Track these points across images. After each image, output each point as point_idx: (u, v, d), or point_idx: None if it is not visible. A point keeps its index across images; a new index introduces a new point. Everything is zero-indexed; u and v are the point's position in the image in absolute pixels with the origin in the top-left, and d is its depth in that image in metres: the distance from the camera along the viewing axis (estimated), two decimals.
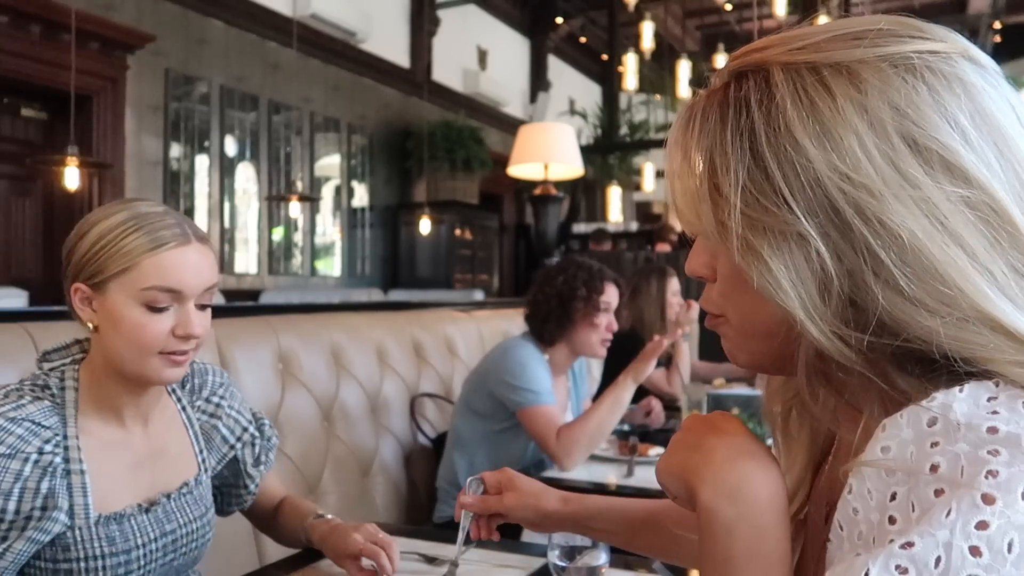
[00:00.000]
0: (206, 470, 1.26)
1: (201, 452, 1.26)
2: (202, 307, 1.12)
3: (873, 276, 0.49)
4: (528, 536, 2.06)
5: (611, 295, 2.24)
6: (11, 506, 1.02)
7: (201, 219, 6.36)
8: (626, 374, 2.10)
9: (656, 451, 2.15)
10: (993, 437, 0.44)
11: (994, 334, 0.48)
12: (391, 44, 8.28)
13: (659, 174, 9.87)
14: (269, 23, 6.80)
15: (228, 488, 1.35)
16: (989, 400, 0.46)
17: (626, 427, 2.32)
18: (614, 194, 9.46)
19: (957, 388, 0.47)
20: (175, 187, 6.17)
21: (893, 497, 0.45)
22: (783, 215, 0.51)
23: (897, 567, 0.42)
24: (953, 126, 0.49)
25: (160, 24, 5.95)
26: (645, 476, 1.99)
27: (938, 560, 0.41)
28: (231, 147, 6.67)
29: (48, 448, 1.06)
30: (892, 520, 0.45)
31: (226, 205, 6.60)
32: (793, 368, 0.57)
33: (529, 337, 2.29)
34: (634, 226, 9.19)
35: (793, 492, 0.65)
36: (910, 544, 0.42)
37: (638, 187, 10.38)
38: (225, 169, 6.60)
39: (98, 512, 1.09)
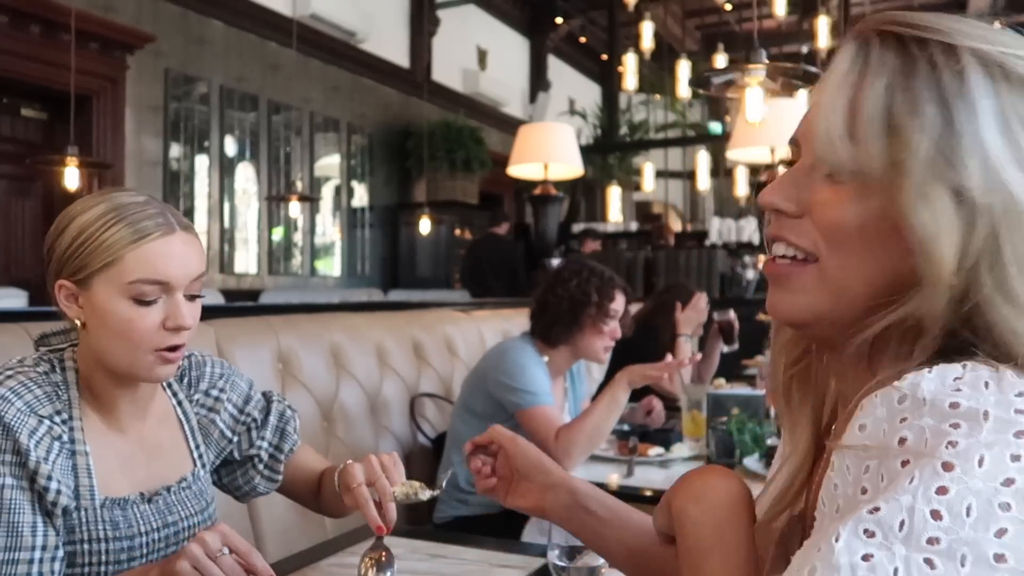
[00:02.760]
0: (203, 465, 1.23)
1: (198, 448, 1.23)
2: (191, 297, 1.09)
3: (988, 270, 0.51)
4: (528, 536, 2.06)
5: (620, 303, 2.24)
6: (33, 452, 1.01)
7: (201, 219, 6.37)
8: (623, 374, 2.09)
9: (656, 451, 2.15)
10: (955, 412, 0.46)
11: None
12: (391, 44, 8.28)
13: (658, 174, 9.86)
14: (269, 23, 6.81)
15: (242, 472, 1.30)
16: (955, 380, 0.48)
17: (626, 427, 2.32)
18: (614, 194, 9.46)
19: (926, 369, 0.50)
20: (175, 187, 6.17)
21: (867, 470, 0.48)
22: (964, 178, 0.51)
23: (865, 531, 0.45)
24: None
25: (160, 24, 5.96)
26: (645, 476, 1.99)
27: (902, 523, 0.44)
28: (231, 147, 6.67)
29: (57, 420, 1.05)
30: (864, 491, 0.48)
31: (226, 205, 6.60)
32: (837, 333, 0.57)
33: (528, 338, 2.29)
34: (634, 226, 9.18)
35: (792, 477, 0.67)
36: (876, 509, 0.45)
37: (638, 187, 10.37)
38: (225, 169, 6.60)
39: (103, 495, 1.08)
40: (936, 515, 0.44)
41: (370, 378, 2.35)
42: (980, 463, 0.44)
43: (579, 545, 1.05)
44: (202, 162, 6.42)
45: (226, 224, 6.61)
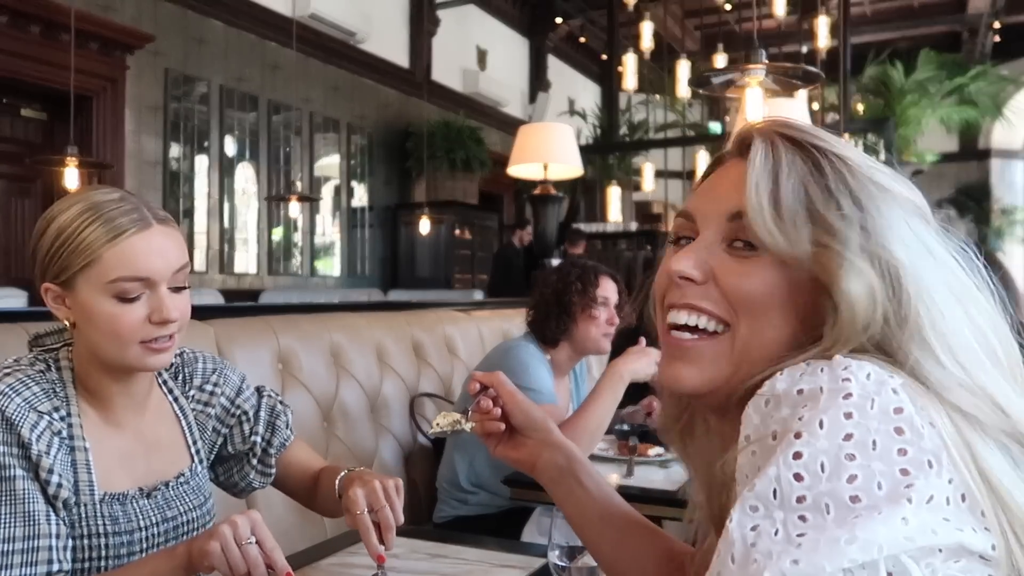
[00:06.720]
0: (200, 461, 1.23)
1: (196, 443, 1.23)
2: (177, 290, 1.08)
3: (900, 326, 0.60)
4: (528, 536, 2.06)
5: (607, 289, 2.25)
6: (33, 447, 1.01)
7: (201, 219, 6.37)
8: (623, 363, 2.04)
9: (656, 451, 2.15)
10: (801, 396, 0.56)
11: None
12: (391, 44, 8.28)
13: (658, 174, 9.86)
14: (269, 23, 6.81)
15: (238, 467, 1.30)
16: (800, 374, 0.57)
17: (626, 427, 2.32)
18: (614, 194, 9.46)
19: (779, 374, 0.58)
20: (175, 187, 6.17)
21: (753, 467, 0.56)
22: (889, 257, 0.61)
23: (751, 507, 0.53)
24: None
25: (160, 24, 5.96)
26: (645, 476, 1.99)
27: (774, 492, 0.52)
28: (231, 147, 6.67)
29: (56, 416, 1.06)
30: (753, 485, 0.55)
31: (226, 205, 6.60)
32: (724, 398, 0.65)
33: (530, 337, 2.29)
34: (634, 226, 9.17)
35: (710, 502, 0.70)
36: (753, 486, 0.53)
37: (638, 187, 10.37)
38: (225, 169, 6.60)
39: (103, 491, 1.08)
40: (798, 477, 0.51)
41: (370, 378, 2.35)
42: (821, 425, 0.53)
43: (579, 545, 1.05)
44: (202, 162, 6.42)
45: (226, 224, 6.61)
